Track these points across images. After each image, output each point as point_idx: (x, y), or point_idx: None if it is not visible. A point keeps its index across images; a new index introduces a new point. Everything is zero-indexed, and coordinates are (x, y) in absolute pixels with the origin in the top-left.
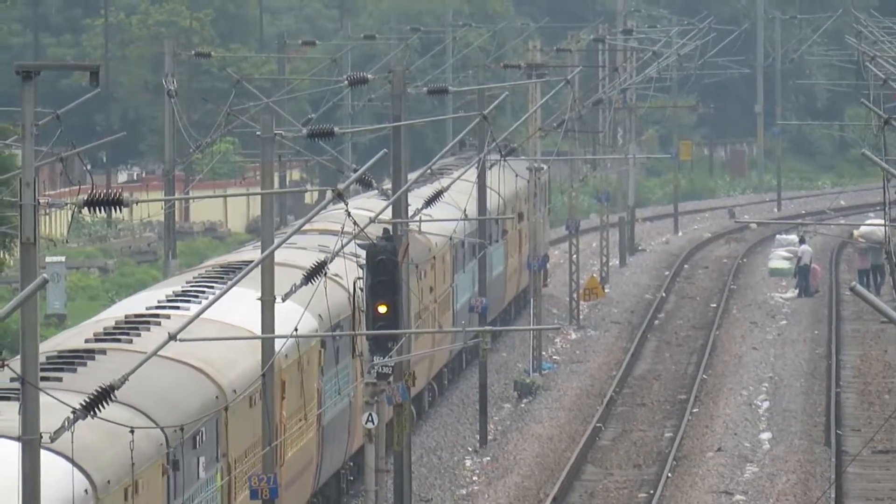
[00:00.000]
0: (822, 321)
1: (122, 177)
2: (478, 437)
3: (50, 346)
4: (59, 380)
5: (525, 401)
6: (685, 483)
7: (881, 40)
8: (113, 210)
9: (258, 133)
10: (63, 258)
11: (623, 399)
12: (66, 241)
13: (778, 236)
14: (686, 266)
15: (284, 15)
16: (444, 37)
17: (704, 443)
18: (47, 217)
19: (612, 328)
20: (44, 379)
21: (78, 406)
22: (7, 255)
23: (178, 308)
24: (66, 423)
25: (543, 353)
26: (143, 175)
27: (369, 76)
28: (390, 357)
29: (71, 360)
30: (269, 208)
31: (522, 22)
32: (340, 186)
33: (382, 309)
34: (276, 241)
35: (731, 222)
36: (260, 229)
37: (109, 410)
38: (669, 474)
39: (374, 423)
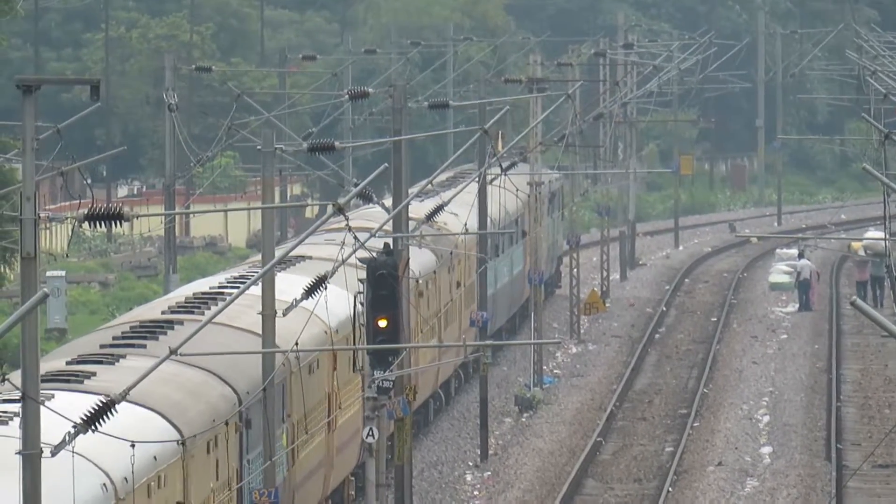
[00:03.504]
0: (822, 335)
1: (123, 191)
2: (479, 451)
3: (130, 317)
4: (144, 346)
5: (526, 415)
6: (686, 497)
7: (882, 55)
8: (113, 224)
9: (259, 147)
10: (63, 272)
11: (624, 413)
12: (67, 256)
13: (778, 250)
14: (686, 280)
15: (285, 29)
16: (444, 51)
17: (705, 457)
18: (48, 231)
19: (613, 342)
20: (129, 346)
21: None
22: (7, 270)
23: (237, 288)
24: (67, 436)
25: (544, 367)
26: (144, 189)
27: (370, 90)
28: (391, 371)
29: (152, 329)
30: (270, 222)
31: (523, 36)
32: (341, 201)
33: (383, 323)
34: (308, 251)
35: (731, 236)
36: (260, 244)
37: (191, 374)
38: (670, 489)
39: (374, 438)
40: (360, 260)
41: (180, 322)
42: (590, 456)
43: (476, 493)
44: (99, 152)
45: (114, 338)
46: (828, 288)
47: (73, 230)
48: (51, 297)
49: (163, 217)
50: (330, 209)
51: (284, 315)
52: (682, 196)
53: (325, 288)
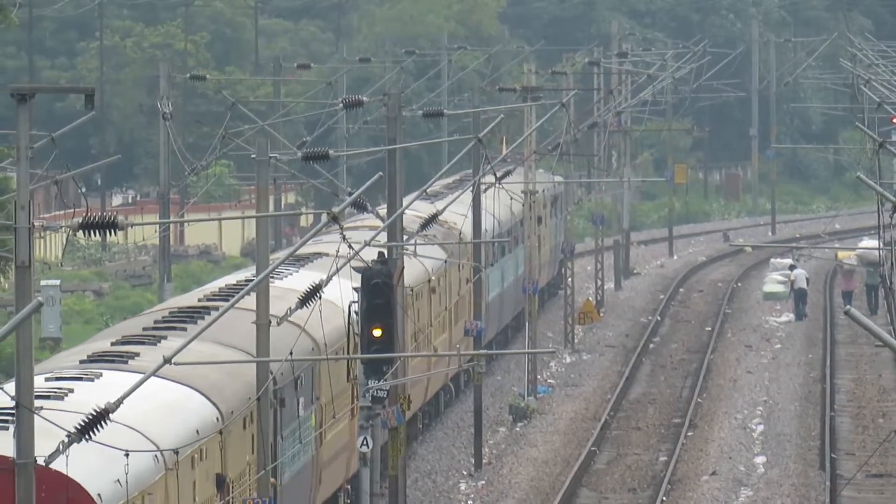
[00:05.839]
0: (816, 345)
1: (117, 200)
2: (472, 460)
3: (169, 304)
4: (184, 329)
5: (520, 424)
6: None
7: (875, 63)
8: (108, 233)
9: (253, 156)
10: (58, 281)
11: (618, 423)
12: (61, 265)
13: (772, 260)
14: (681, 290)
15: (280, 38)
16: (439, 60)
17: (699, 467)
18: (42, 240)
19: (607, 352)
20: (170, 328)
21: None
22: (2, 279)
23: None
24: (62, 445)
25: (538, 376)
26: (138, 198)
27: (364, 99)
28: (385, 380)
29: (191, 314)
30: (264, 231)
31: (517, 45)
32: (336, 210)
33: (377, 332)
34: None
35: (725, 246)
36: (255, 252)
37: (230, 354)
38: (664, 498)
39: (368, 447)
40: (355, 269)
41: (215, 308)
42: (584, 465)
43: (470, 502)
44: (93, 161)
45: (155, 322)
46: (822, 297)
47: (67, 239)
48: (45, 306)
49: (157, 226)
50: (324, 218)
51: (279, 324)
52: (677, 205)
53: (319, 299)
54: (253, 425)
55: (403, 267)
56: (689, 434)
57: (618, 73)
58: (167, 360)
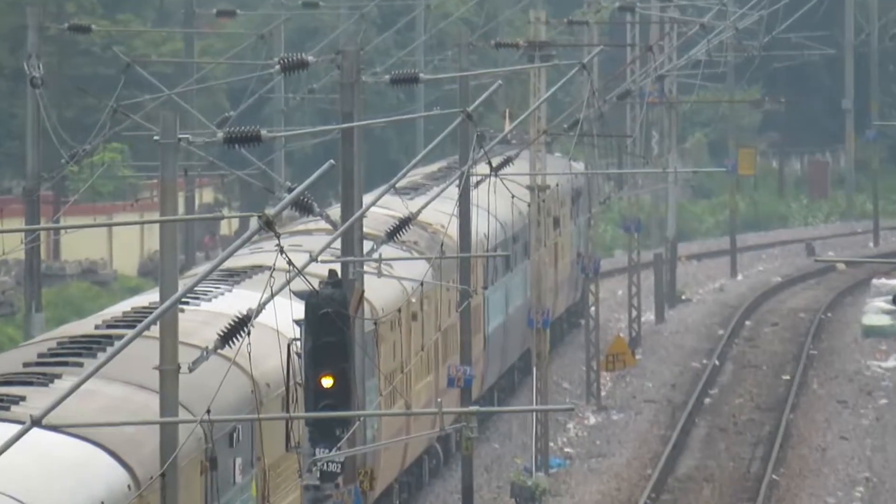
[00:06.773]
0: None
1: None
2: None
3: (57, 333)
4: (80, 364)
5: None
6: None
7: None
8: None
9: (156, 137)
10: None
11: None
12: None
13: (875, 281)
14: (748, 322)
15: None
16: (413, 5)
17: None
18: None
19: (646, 409)
20: (63, 364)
21: None
22: None
23: (185, 301)
24: None
25: (551, 443)
26: None
27: (310, 59)
28: (339, 449)
29: (88, 345)
30: (171, 242)
31: None
32: (270, 212)
33: (327, 382)
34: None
35: (810, 262)
36: (157, 272)
37: (146, 399)
38: None
39: None
40: (296, 293)
41: (119, 337)
42: None
43: None
44: None
45: (40, 355)
46: None
47: None
48: None
49: (22, 234)
50: (254, 223)
51: (191, 371)
52: (741, 205)
53: (248, 334)
54: (180, 494)
55: (363, 290)
56: None
57: (659, 23)
58: (36, 422)
